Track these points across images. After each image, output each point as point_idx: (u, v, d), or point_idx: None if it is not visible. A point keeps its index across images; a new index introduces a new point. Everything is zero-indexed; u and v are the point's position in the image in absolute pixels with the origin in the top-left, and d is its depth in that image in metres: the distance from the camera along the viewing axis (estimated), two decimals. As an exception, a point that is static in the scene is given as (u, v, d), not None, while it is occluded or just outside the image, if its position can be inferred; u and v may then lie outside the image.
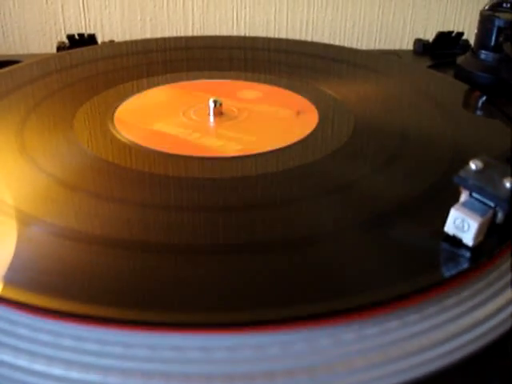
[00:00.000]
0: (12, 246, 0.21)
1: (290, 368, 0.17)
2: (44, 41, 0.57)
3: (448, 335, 0.18)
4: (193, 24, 0.58)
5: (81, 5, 0.56)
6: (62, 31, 0.56)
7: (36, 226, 0.22)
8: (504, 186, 0.20)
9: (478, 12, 0.39)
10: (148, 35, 0.58)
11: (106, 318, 0.18)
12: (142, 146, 0.28)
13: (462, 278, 0.20)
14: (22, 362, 0.17)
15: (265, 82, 0.38)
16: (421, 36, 0.55)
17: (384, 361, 0.17)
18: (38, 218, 0.22)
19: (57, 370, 0.17)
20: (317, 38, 0.60)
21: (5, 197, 0.24)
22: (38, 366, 0.17)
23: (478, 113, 0.35)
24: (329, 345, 0.18)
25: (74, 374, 0.17)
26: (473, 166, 0.21)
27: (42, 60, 0.40)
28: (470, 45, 0.45)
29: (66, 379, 0.17)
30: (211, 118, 0.32)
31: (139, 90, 0.36)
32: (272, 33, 0.59)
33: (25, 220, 0.22)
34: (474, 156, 0.21)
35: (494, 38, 0.39)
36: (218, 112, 0.32)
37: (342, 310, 0.18)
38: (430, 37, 0.48)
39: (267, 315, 0.18)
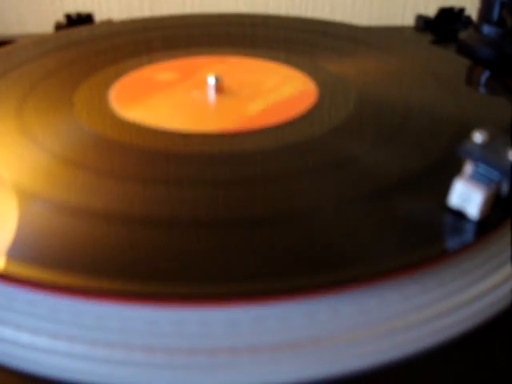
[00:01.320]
0: (14, 222, 0.21)
1: (291, 340, 0.17)
2: (41, 20, 0.56)
3: (452, 307, 0.18)
4: (192, 1, 0.58)
5: (78, -17, 0.56)
6: (60, 10, 0.56)
7: (37, 202, 0.22)
8: (509, 157, 0.20)
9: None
10: (146, 14, 0.57)
11: (108, 290, 0.18)
12: (141, 123, 0.28)
13: (465, 250, 0.20)
14: (25, 337, 0.17)
15: (265, 58, 0.37)
16: (422, 12, 0.54)
17: (385, 333, 0.17)
18: (39, 195, 0.22)
19: (60, 345, 0.17)
20: (317, 15, 0.59)
21: (6, 174, 0.24)
22: (40, 341, 0.17)
23: (481, 88, 0.35)
24: (330, 316, 0.18)
25: (78, 348, 0.17)
26: (477, 137, 0.20)
27: (39, 39, 0.40)
28: (472, 20, 0.45)
29: (71, 354, 0.17)
30: (211, 94, 0.32)
31: (138, 68, 0.36)
32: (271, 9, 0.59)
33: (26, 196, 0.22)
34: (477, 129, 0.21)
35: (496, 12, 0.38)
36: (219, 88, 0.32)
37: (344, 281, 0.18)
38: (431, 13, 0.48)
39: (269, 286, 0.18)
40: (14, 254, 0.19)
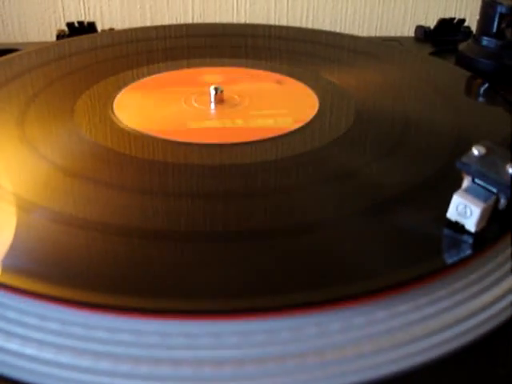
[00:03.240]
0: (12, 231, 0.21)
1: (300, 352, 0.17)
2: (43, 29, 0.57)
3: (451, 321, 0.18)
4: (193, 12, 0.58)
5: (80, -7, 0.56)
6: (62, 19, 0.56)
7: (37, 212, 0.22)
8: (507, 171, 0.20)
9: (480, -1, 0.39)
10: (148, 23, 0.57)
11: (103, 304, 0.18)
12: (142, 134, 0.28)
13: (464, 264, 0.20)
14: (13, 345, 0.17)
15: (266, 69, 0.38)
16: (422, 23, 0.54)
17: (379, 348, 0.17)
18: (38, 204, 0.22)
19: (47, 355, 0.17)
20: (317, 26, 0.59)
21: (6, 184, 0.24)
22: (29, 350, 0.17)
23: (480, 99, 0.35)
24: (338, 329, 0.18)
25: (64, 359, 0.17)
26: (475, 151, 0.21)
27: (41, 48, 0.40)
28: (472, 32, 0.45)
29: (56, 363, 0.17)
30: (212, 105, 0.32)
31: (139, 77, 0.36)
32: (272, 21, 0.59)
33: (26, 207, 0.22)
34: (476, 143, 0.21)
35: (495, 24, 0.39)
36: (219, 99, 0.32)
37: (347, 296, 0.18)
38: (431, 24, 0.48)
39: (274, 301, 0.18)
40: (9, 263, 0.19)
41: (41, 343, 0.17)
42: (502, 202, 0.20)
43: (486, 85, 0.35)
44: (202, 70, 0.37)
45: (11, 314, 0.18)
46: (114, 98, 0.33)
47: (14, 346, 0.17)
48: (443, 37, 0.47)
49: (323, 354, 0.17)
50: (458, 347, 0.18)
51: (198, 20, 0.58)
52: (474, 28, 0.41)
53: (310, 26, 0.59)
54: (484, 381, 0.17)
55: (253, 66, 0.38)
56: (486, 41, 0.39)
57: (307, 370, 0.17)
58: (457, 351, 0.18)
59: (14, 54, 0.39)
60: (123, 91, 0.34)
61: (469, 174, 0.20)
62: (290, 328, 0.18)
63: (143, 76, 0.36)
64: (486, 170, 0.20)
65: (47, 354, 0.17)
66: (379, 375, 0.17)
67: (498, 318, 0.19)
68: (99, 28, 0.47)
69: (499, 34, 0.38)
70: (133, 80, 0.35)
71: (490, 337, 0.18)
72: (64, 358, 0.17)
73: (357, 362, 0.17)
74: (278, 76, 0.36)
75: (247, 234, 0.21)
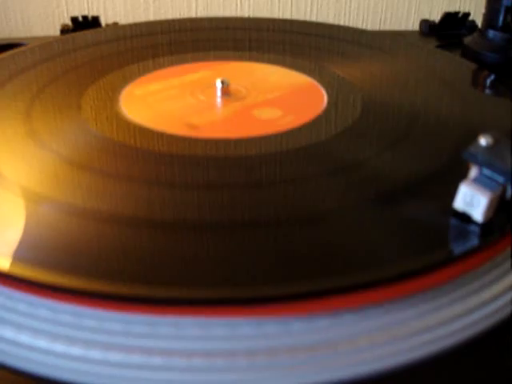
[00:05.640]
0: (22, 224, 0.21)
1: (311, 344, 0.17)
2: (47, 24, 0.57)
3: (459, 312, 0.18)
4: (196, 6, 0.58)
5: (83, -13, 0.56)
6: (65, 14, 0.56)
7: (44, 204, 0.22)
8: (514, 161, 0.20)
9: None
10: (151, 17, 0.57)
11: (112, 293, 0.18)
12: (148, 127, 0.28)
13: (472, 255, 0.20)
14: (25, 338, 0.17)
15: (270, 62, 0.38)
16: (426, 17, 0.54)
17: (389, 340, 0.17)
18: (46, 197, 0.22)
19: (59, 347, 0.17)
20: (321, 19, 0.59)
21: (13, 177, 0.24)
22: (58, 346, 0.17)
23: (487, 92, 0.35)
24: (348, 320, 0.18)
25: (76, 351, 0.17)
26: (482, 141, 0.21)
27: (45, 43, 0.40)
28: (477, 26, 0.45)
29: (68, 356, 0.17)
30: (219, 98, 0.32)
31: (145, 71, 0.36)
32: (276, 14, 0.59)
33: (33, 199, 0.22)
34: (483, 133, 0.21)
35: (501, 17, 0.38)
36: (226, 92, 0.32)
37: (355, 285, 0.18)
38: (435, 17, 0.48)
39: (281, 290, 0.18)
40: (19, 255, 0.19)
41: (52, 335, 0.17)
42: (509, 191, 0.20)
43: (493, 76, 0.35)
44: (207, 63, 0.37)
45: (21, 307, 0.18)
46: (120, 91, 0.33)
47: (25, 338, 0.17)
48: (448, 31, 0.47)
49: (335, 345, 0.17)
50: (468, 339, 0.18)
51: (201, 14, 0.58)
52: (479, 22, 0.41)
53: (313, 19, 0.59)
54: (490, 373, 0.17)
55: (258, 60, 0.38)
56: (491, 34, 0.39)
57: (318, 362, 0.17)
58: (466, 343, 0.18)
59: (18, 49, 0.39)
60: (129, 85, 0.34)
61: (476, 163, 0.20)
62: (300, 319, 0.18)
63: (148, 70, 0.36)
64: (492, 160, 0.20)
65: (58, 346, 0.17)
66: (384, 367, 0.17)
67: (506, 310, 0.19)
68: (103, 22, 0.47)
69: (505, 28, 0.38)
70: (138, 74, 0.35)
71: (499, 328, 0.18)
72: (75, 350, 0.17)
73: (367, 352, 0.17)
74: (282, 69, 0.36)
75: (254, 224, 0.21)
